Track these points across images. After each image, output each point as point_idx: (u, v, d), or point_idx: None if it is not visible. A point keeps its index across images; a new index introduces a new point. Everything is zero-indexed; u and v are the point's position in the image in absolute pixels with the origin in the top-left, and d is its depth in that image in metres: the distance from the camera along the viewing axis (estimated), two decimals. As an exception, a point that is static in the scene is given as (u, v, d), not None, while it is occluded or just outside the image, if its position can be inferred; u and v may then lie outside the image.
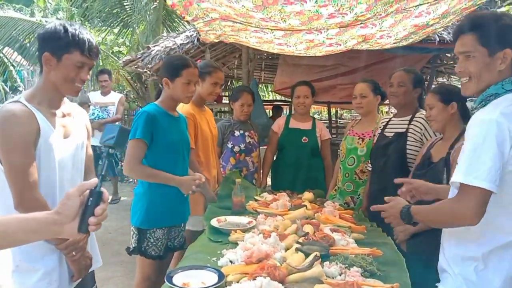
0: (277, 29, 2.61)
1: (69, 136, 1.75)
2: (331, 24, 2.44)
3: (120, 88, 10.68)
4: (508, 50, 1.48)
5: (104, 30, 9.03)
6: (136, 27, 7.72)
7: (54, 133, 1.65)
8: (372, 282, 1.57)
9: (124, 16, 8.02)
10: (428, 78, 6.19)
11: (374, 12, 2.34)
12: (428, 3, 2.37)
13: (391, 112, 10.31)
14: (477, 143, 1.41)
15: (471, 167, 1.40)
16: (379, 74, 5.85)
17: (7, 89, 10.74)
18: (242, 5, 2.12)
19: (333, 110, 9.47)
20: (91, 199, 1.02)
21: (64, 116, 1.75)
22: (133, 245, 2.40)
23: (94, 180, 1.04)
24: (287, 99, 7.55)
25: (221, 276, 1.57)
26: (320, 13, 2.21)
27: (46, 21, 8.02)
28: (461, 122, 2.22)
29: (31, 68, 11.67)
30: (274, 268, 1.55)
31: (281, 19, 2.30)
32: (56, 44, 1.61)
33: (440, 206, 1.54)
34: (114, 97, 6.03)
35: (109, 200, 1.08)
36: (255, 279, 1.47)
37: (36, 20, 8.26)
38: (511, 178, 1.40)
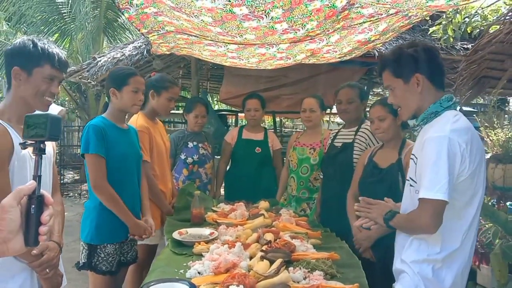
0: (232, 43, 2.69)
1: None
2: (284, 39, 2.56)
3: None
4: (417, 74, 1.68)
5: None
6: (75, 36, 7.42)
7: (26, 150, 1.60)
8: (334, 284, 1.66)
9: (62, 24, 7.67)
10: (366, 88, 6.57)
11: (323, 29, 2.49)
12: (370, 21, 2.58)
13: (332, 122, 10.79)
14: (434, 160, 1.55)
15: (432, 182, 1.54)
16: (320, 85, 6.13)
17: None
18: (201, 20, 2.17)
19: (277, 119, 9.72)
20: (33, 206, 0.88)
21: None
22: (83, 261, 2.36)
23: (31, 184, 0.88)
24: (233, 109, 7.62)
25: (193, 287, 1.59)
26: (275, 28, 2.32)
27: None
28: (401, 130, 2.45)
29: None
30: (244, 276, 1.60)
31: (238, 34, 2.38)
32: (25, 58, 1.62)
33: (410, 216, 1.68)
34: (53, 110, 5.70)
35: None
36: (227, 288, 1.52)
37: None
38: (461, 188, 1.58)
